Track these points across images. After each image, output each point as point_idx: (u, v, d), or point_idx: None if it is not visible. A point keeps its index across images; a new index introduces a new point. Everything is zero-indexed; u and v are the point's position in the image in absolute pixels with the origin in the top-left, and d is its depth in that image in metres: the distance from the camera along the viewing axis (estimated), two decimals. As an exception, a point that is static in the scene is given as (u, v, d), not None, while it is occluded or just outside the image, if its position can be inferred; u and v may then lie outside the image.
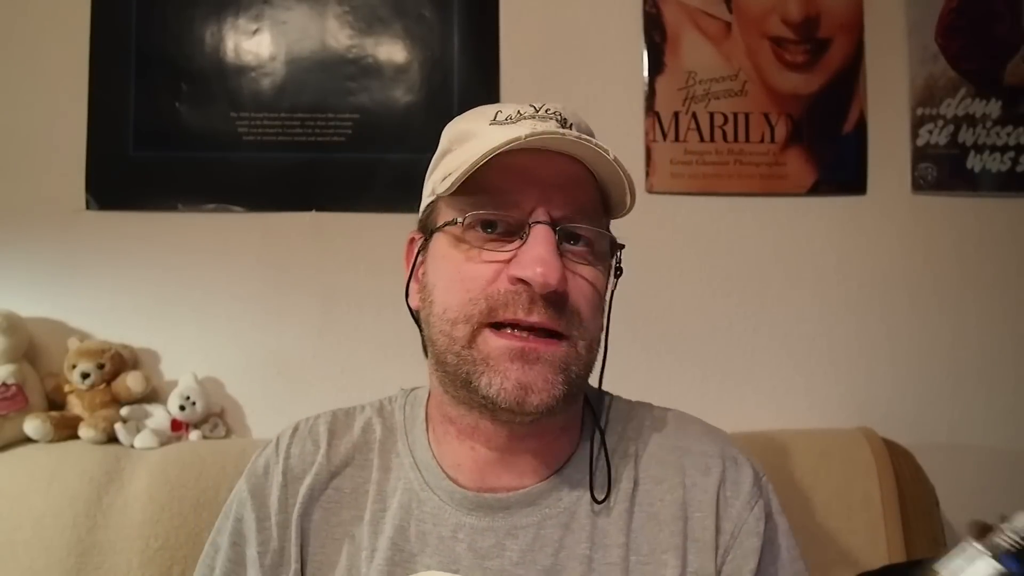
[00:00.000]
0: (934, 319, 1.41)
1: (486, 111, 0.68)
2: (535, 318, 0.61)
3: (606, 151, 0.62)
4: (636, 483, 0.70)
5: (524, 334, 0.62)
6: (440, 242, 0.67)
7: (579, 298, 0.64)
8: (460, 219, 0.64)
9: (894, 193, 1.41)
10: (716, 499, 0.69)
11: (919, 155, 1.42)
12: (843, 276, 1.40)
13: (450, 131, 0.71)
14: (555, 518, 0.68)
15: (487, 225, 0.64)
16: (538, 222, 0.62)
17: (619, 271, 0.70)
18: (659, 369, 1.35)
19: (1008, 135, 1.42)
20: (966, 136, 1.42)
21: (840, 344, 1.39)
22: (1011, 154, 1.42)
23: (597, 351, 0.68)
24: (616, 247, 0.69)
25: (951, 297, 1.41)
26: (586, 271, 0.65)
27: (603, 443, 0.71)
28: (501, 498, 0.68)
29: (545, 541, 0.67)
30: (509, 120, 0.66)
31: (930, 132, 1.42)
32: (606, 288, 0.69)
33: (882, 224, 1.41)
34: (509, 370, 0.61)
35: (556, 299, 0.62)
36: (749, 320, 1.39)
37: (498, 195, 0.63)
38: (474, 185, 0.63)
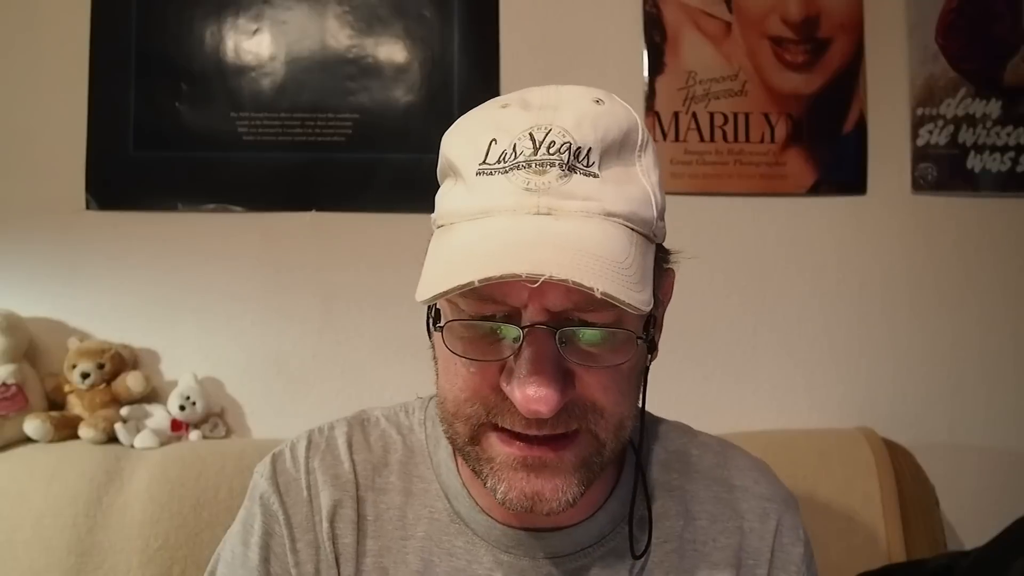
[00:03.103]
0: (934, 319, 1.41)
1: (480, 138, 0.54)
2: (534, 431, 0.52)
3: (591, 289, 0.46)
4: (687, 520, 0.66)
5: (527, 442, 0.53)
6: (437, 337, 0.57)
7: (593, 393, 0.53)
8: (441, 324, 0.54)
9: (894, 193, 1.41)
10: (772, 547, 0.66)
11: (919, 155, 1.42)
12: (843, 276, 1.40)
13: (444, 151, 0.59)
14: (601, 559, 0.63)
15: (478, 324, 0.53)
16: (531, 325, 0.50)
17: (652, 347, 0.59)
18: (659, 369, 1.34)
19: (1008, 135, 1.42)
20: (966, 136, 1.42)
21: (840, 344, 1.39)
22: (1011, 154, 1.42)
23: (629, 426, 0.58)
24: (645, 328, 0.55)
25: (951, 297, 1.41)
26: (601, 370, 0.53)
27: (643, 484, 0.64)
28: (543, 537, 0.62)
29: None
30: (500, 163, 0.52)
31: (930, 132, 1.42)
32: (641, 363, 0.59)
33: (882, 224, 1.41)
34: (513, 479, 0.54)
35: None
36: (749, 320, 1.39)
37: (482, 291, 0.50)
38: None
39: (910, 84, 1.42)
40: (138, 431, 1.21)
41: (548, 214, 0.51)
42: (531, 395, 0.50)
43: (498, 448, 0.54)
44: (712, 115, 1.39)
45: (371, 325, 1.34)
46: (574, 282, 0.47)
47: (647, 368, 0.60)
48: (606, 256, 0.49)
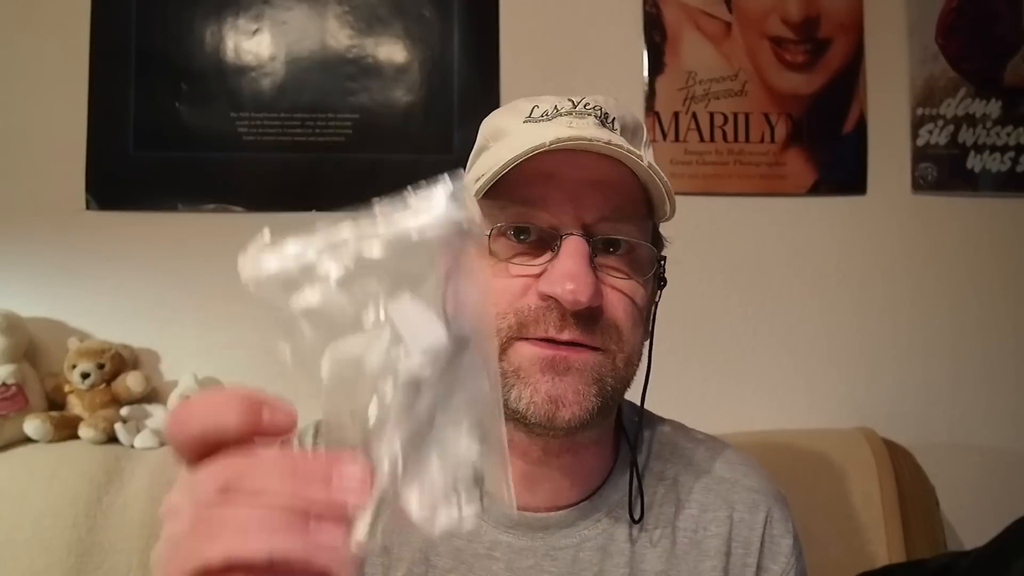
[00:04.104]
0: (934, 319, 1.41)
1: (522, 106, 0.65)
2: (566, 335, 0.58)
3: (640, 157, 0.58)
4: (678, 507, 0.69)
5: (555, 345, 0.59)
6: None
7: (616, 312, 0.60)
8: (486, 231, 0.60)
9: (894, 193, 1.41)
10: (761, 537, 0.68)
11: (919, 155, 1.42)
12: (843, 276, 1.40)
13: (486, 127, 0.67)
14: (593, 540, 0.66)
15: (518, 233, 0.60)
16: (570, 233, 0.58)
17: (662, 282, 0.66)
18: (659, 369, 1.35)
19: (1008, 135, 1.42)
20: (966, 136, 1.42)
21: (840, 344, 1.39)
22: (1011, 154, 1.42)
23: (637, 366, 0.64)
24: (658, 256, 0.64)
25: (951, 297, 1.41)
26: (624, 284, 0.61)
27: (635, 463, 0.68)
28: (541, 517, 0.66)
29: (584, 565, 0.65)
30: (545, 117, 0.62)
31: (930, 132, 1.42)
32: (649, 300, 0.65)
33: (882, 224, 1.41)
34: (540, 382, 0.58)
35: (589, 314, 0.58)
36: (749, 320, 1.39)
37: (527, 201, 0.60)
38: (503, 190, 0.60)
39: (910, 84, 1.42)
40: (138, 431, 1.21)
41: (602, 139, 0.58)
42: (570, 286, 0.56)
43: (525, 353, 0.59)
44: (712, 115, 1.39)
45: (371, 325, 1.33)
46: (627, 149, 0.58)
47: (654, 316, 0.67)
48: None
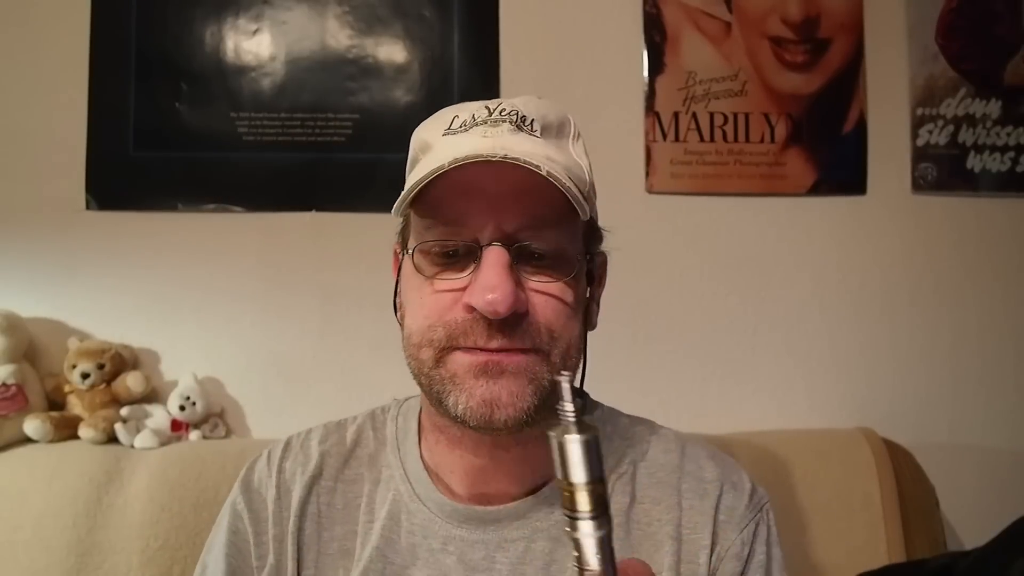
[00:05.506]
0: (934, 319, 1.41)
1: (446, 116, 0.66)
2: (495, 344, 0.60)
3: (537, 167, 0.57)
4: (632, 500, 0.69)
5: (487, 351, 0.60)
6: (406, 263, 0.66)
7: (545, 313, 0.61)
8: (410, 250, 0.64)
9: (894, 193, 1.41)
10: (713, 522, 0.68)
11: (919, 155, 1.42)
12: (843, 276, 1.40)
13: (415, 139, 0.69)
14: (545, 531, 0.67)
15: (442, 251, 0.62)
16: (491, 243, 0.60)
17: (593, 279, 0.68)
18: (659, 369, 1.35)
19: (1008, 135, 1.42)
20: (966, 136, 1.42)
21: (840, 344, 1.39)
22: (1011, 154, 1.42)
23: (577, 357, 0.66)
24: (584, 254, 0.65)
25: (951, 297, 1.41)
26: (550, 287, 0.62)
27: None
28: (491, 511, 0.68)
29: (535, 555, 0.66)
30: (463, 127, 0.63)
31: (930, 132, 1.42)
32: (582, 295, 0.66)
33: (882, 224, 1.41)
34: (474, 387, 0.60)
35: (515, 321, 0.60)
36: (749, 320, 1.39)
37: (449, 221, 0.62)
38: (425, 206, 0.62)
39: (910, 84, 1.42)
40: (138, 431, 1.21)
41: (502, 151, 0.59)
42: (488, 297, 0.58)
43: (459, 360, 0.61)
44: (712, 115, 1.39)
45: (371, 325, 1.34)
46: (525, 161, 0.57)
47: (588, 312, 0.68)
48: (552, 169, 0.59)
